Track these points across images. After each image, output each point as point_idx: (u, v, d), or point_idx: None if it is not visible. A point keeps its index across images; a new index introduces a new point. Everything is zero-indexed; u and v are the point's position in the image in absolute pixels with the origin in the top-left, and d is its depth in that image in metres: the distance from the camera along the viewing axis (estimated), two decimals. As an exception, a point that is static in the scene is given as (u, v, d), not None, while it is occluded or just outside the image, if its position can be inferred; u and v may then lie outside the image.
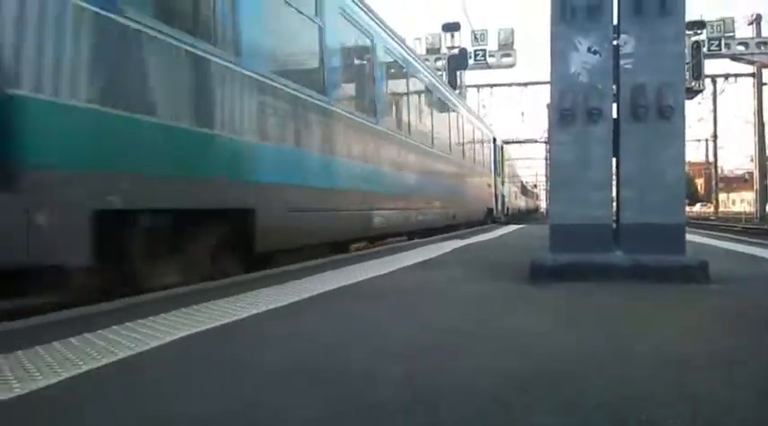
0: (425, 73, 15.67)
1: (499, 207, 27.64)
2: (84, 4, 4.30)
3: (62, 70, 4.13)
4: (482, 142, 24.21)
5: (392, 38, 12.31)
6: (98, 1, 4.41)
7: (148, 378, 2.42)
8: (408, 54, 13.94)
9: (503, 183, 29.97)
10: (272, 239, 6.63)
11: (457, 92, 26.09)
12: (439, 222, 15.30)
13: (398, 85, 13.05)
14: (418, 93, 14.65)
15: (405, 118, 13.08)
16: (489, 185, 25.18)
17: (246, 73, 6.33)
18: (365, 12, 10.54)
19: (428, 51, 39.03)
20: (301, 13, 7.96)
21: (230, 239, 6.31)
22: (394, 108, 12.56)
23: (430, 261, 7.24)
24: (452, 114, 18.56)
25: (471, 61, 38.49)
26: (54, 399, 2.16)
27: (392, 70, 12.46)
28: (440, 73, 26.36)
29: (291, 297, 4.37)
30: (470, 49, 38.52)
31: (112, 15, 4.54)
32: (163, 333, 3.14)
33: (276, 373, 2.43)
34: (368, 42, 10.84)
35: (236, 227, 6.26)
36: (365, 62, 10.94)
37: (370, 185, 10.35)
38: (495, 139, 28.06)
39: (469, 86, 44.61)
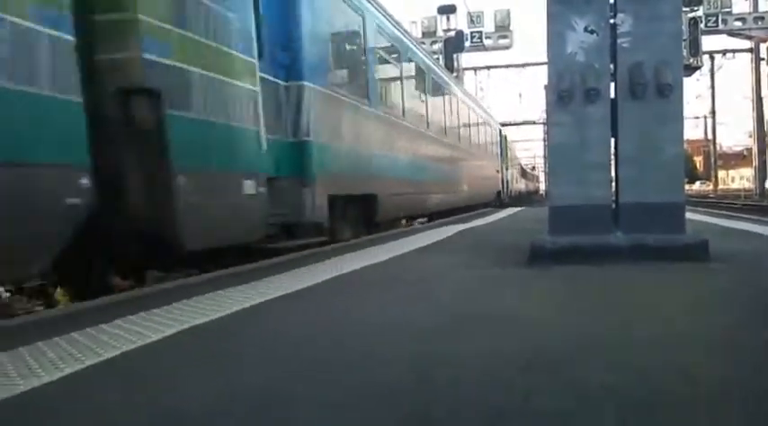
0: (468, 99, 23.19)
1: (505, 190, 32.16)
2: (325, 90, 8.29)
3: (320, 125, 8.04)
4: (492, 135, 28.98)
5: (444, 76, 18.87)
6: (327, 86, 8.40)
7: (149, 373, 2.42)
8: (464, 91, 23.38)
9: (507, 169, 34.00)
10: (384, 213, 10.81)
11: (454, 75, 26.92)
12: (466, 202, 19.96)
13: (450, 107, 18.71)
14: (461, 111, 20.45)
15: (450, 126, 18.41)
16: (497, 171, 29.51)
17: (373, 111, 10.72)
18: (424, 56, 16.13)
19: (424, 35, 38.89)
20: (391, 64, 12.86)
21: (365, 213, 10.27)
22: (446, 121, 17.79)
23: (435, 245, 7.25)
24: (473, 115, 23.53)
25: (468, 43, 38.35)
26: (57, 395, 2.16)
27: (450, 100, 18.80)
28: (436, 56, 27.05)
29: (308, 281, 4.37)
30: (467, 32, 38.36)
31: (334, 94, 8.72)
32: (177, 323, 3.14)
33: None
34: (435, 82, 16.85)
35: (368, 205, 10.24)
36: (432, 96, 16.13)
37: (430, 176, 15.24)
38: (501, 131, 33.14)
39: (467, 69, 44.55)
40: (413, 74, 14.47)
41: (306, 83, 7.64)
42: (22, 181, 3.93)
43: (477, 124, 24.30)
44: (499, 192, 29.02)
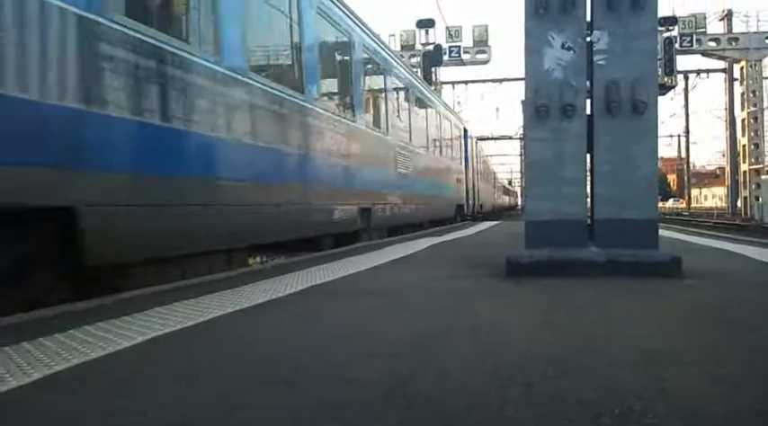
0: (489, 160, 50.53)
1: (496, 203, 50.09)
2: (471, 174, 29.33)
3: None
4: (493, 175, 50.24)
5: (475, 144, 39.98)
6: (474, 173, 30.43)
7: (116, 378, 2.39)
8: (484, 154, 46.00)
9: (495, 192, 51.67)
10: (490, 211, 38.40)
11: (432, 88, 27.37)
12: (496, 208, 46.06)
13: (487, 168, 43.71)
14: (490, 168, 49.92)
15: (486, 175, 40.51)
16: (493, 193, 47.36)
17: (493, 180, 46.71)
18: (455, 113, 30.49)
19: (403, 48, 39.09)
20: (482, 160, 38.45)
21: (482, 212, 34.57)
22: (487, 175, 42.02)
23: (416, 254, 7.24)
24: (490, 169, 48.31)
25: (446, 58, 38.58)
26: (24, 400, 2.12)
27: (488, 165, 47.62)
28: (415, 69, 27.72)
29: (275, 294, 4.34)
30: (445, 46, 38.59)
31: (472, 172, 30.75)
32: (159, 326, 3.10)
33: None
34: (488, 161, 48.41)
35: (482, 207, 33.77)
36: (487, 165, 44.19)
37: (489, 197, 39.83)
38: (495, 171, 57.46)
39: (444, 83, 44.77)
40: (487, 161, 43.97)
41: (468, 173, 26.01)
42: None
43: (491, 172, 49.28)
44: (493, 206, 44.84)
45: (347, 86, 10.65)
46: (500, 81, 47.14)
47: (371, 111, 12.09)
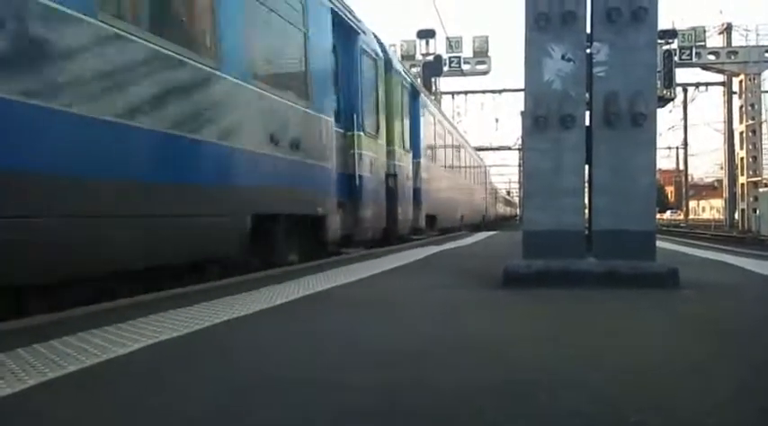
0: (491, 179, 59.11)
1: (498, 213, 55.23)
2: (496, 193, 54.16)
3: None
4: (497, 190, 58.45)
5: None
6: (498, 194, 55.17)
7: (111, 386, 2.38)
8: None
9: (497, 203, 57.62)
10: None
11: (432, 97, 27.77)
12: (496, 217, 50.69)
13: (487, 186, 46.52)
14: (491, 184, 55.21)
15: (489, 190, 46.34)
16: (495, 204, 51.15)
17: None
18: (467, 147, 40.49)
19: (403, 58, 39.15)
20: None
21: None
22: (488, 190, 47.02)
23: (414, 263, 7.24)
24: (493, 185, 56.13)
25: (446, 68, 38.68)
26: (19, 407, 2.11)
27: (487, 177, 48.66)
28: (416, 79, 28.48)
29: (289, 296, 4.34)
30: (445, 56, 38.70)
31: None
32: (131, 340, 3.09)
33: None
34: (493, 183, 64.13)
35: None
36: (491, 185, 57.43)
37: (488, 210, 42.51)
38: (496, 188, 61.95)
39: (444, 93, 44.87)
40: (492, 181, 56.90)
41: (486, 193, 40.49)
42: None
43: (494, 187, 56.48)
44: (495, 215, 49.70)
45: (463, 164, 26.22)
46: (500, 91, 47.34)
47: (470, 171, 28.69)
